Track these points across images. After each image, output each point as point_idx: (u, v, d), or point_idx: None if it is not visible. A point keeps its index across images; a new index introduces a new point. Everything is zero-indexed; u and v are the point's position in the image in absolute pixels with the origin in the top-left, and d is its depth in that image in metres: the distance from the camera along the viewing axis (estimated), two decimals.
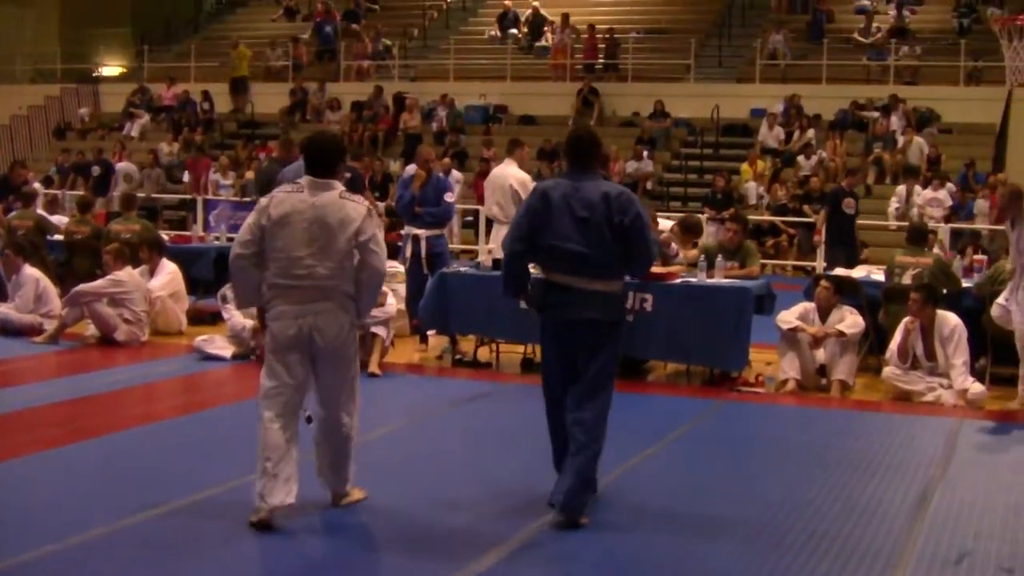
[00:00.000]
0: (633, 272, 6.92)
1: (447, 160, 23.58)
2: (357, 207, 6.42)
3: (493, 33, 31.75)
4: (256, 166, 22.49)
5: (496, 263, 11.40)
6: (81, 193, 21.58)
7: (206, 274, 14.60)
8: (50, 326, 12.27)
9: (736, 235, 11.71)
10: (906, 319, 10.32)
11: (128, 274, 12.22)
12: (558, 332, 6.72)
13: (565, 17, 29.72)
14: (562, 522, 6.43)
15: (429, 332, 11.91)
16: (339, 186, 6.52)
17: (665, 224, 12.70)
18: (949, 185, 21.53)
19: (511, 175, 12.39)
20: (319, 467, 6.69)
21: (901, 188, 21.37)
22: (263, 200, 6.55)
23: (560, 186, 6.67)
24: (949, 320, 10.24)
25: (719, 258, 11.10)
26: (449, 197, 12.18)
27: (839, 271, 12.43)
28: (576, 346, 6.64)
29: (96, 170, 25.40)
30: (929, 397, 10.12)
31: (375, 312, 10.57)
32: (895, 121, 24.60)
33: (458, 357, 11.42)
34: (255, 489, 6.28)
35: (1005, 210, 9.94)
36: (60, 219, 16.64)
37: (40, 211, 16.40)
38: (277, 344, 6.40)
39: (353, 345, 6.60)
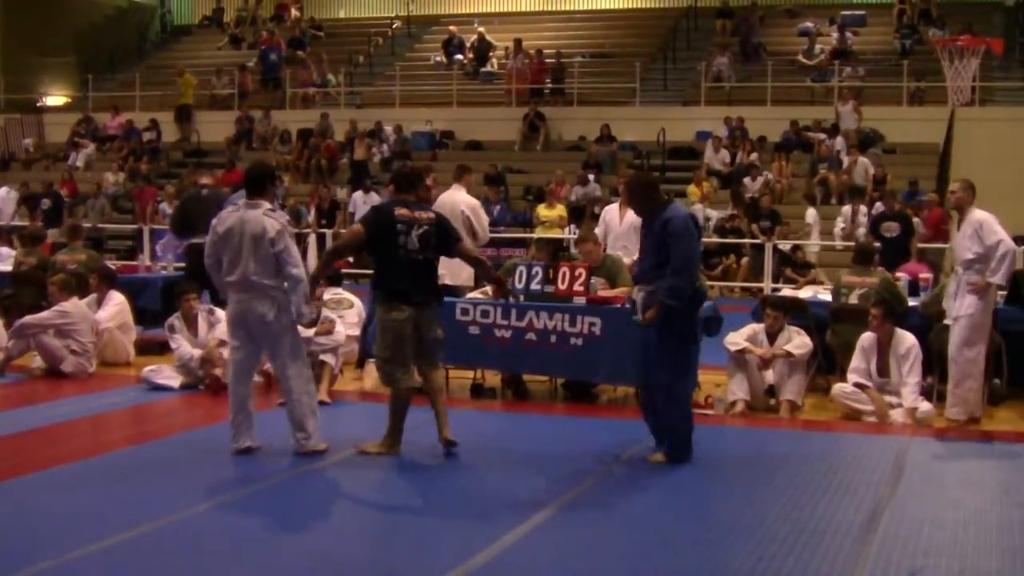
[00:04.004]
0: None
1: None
2: (274, 223, 8.28)
3: (439, 59, 31.84)
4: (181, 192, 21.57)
5: (447, 289, 11.34)
6: (27, 224, 21.39)
7: (153, 304, 14.45)
8: None
9: None
10: (869, 335, 10.36)
11: (74, 305, 12.11)
12: None
13: (518, 42, 29.75)
14: None
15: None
16: (266, 205, 8.37)
17: None
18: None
19: (462, 200, 12.23)
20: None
21: (847, 208, 21.51)
22: (214, 220, 8.49)
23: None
24: (906, 339, 10.32)
25: None
26: None
27: (785, 292, 12.49)
28: None
29: (46, 202, 25.22)
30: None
31: (323, 340, 10.56)
32: (840, 142, 24.82)
33: None
34: (229, 434, 8.42)
35: (961, 200, 10.10)
36: (7, 251, 16.50)
37: None
38: (229, 322, 8.59)
39: (285, 326, 8.38)
